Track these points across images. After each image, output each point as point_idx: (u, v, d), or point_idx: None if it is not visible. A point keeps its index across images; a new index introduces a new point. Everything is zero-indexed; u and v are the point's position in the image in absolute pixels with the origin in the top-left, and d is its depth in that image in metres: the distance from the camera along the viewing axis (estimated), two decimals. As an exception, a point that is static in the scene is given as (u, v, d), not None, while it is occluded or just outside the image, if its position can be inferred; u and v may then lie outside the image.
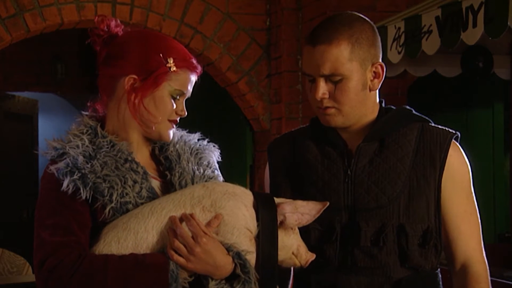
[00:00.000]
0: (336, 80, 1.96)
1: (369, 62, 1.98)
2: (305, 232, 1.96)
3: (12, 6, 4.96)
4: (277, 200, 1.92)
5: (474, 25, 3.24)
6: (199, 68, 1.98)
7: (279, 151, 2.15)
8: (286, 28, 5.17)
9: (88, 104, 2.02)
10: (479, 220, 2.05)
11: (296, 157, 2.09)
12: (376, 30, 2.02)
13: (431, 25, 3.56)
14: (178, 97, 1.95)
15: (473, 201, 2.05)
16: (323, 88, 1.97)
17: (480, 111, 5.29)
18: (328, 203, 1.90)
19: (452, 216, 2.02)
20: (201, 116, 6.82)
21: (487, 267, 2.04)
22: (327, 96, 1.97)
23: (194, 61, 1.97)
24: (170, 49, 1.94)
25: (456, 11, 3.36)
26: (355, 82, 1.96)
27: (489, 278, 2.04)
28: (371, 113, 2.03)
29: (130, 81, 1.92)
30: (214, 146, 2.09)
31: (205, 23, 5.27)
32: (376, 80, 2.01)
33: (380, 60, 2.02)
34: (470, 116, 5.34)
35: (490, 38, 3.26)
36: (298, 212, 1.89)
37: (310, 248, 1.96)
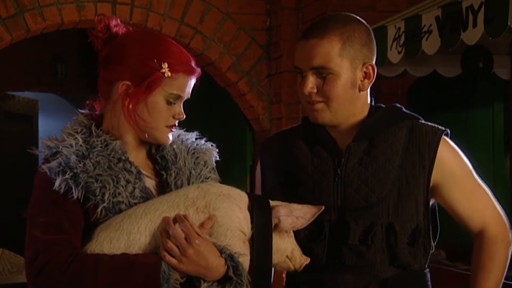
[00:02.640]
0: (325, 75, 1.97)
1: (360, 62, 1.99)
2: (294, 231, 1.96)
3: (12, 6, 4.96)
4: (272, 203, 1.91)
5: (474, 25, 3.24)
6: (198, 71, 1.95)
7: (270, 150, 2.17)
8: (286, 28, 5.17)
9: (87, 102, 2.02)
10: (488, 190, 2.09)
11: (287, 156, 2.10)
12: (372, 33, 2.03)
13: (431, 25, 3.55)
14: (174, 101, 1.93)
15: (476, 179, 2.07)
16: (311, 82, 1.99)
17: (480, 111, 5.29)
18: (323, 207, 1.90)
19: (461, 200, 2.05)
20: (201, 116, 6.82)
21: (508, 228, 2.07)
22: (315, 90, 1.99)
23: (193, 64, 1.94)
24: (165, 54, 1.91)
25: (456, 11, 3.36)
26: (344, 79, 1.97)
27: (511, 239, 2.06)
28: (360, 113, 2.04)
29: (123, 87, 1.91)
30: (212, 145, 2.08)
31: (205, 23, 5.27)
32: (366, 81, 2.02)
33: (374, 62, 2.02)
34: (470, 116, 5.33)
35: (490, 38, 3.26)
36: (293, 215, 1.88)
37: (300, 247, 1.96)
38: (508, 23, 3.05)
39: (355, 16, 2.03)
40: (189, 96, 1.97)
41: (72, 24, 5.17)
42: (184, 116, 1.96)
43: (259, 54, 5.39)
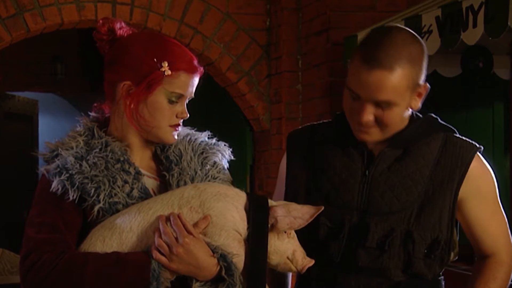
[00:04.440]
0: (386, 106, 1.91)
1: (418, 86, 1.94)
2: (314, 228, 1.95)
3: (12, 6, 4.96)
4: (271, 202, 1.89)
5: (474, 25, 3.24)
6: (200, 69, 1.94)
7: (299, 141, 2.14)
8: (286, 28, 5.17)
9: (95, 104, 2.02)
10: (506, 218, 2.08)
11: (315, 150, 2.08)
12: (426, 51, 1.97)
13: (431, 25, 3.55)
14: (177, 100, 1.92)
15: (499, 204, 2.07)
16: (370, 112, 1.92)
17: (480, 111, 5.29)
18: (322, 208, 1.87)
19: (479, 221, 2.04)
20: (201, 116, 6.82)
21: None
22: (372, 118, 1.93)
23: (194, 62, 1.93)
24: (165, 53, 1.90)
25: (456, 11, 3.36)
26: (404, 107, 1.94)
27: None
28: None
29: (125, 87, 1.91)
30: (225, 145, 2.06)
31: (205, 23, 5.27)
32: (418, 99, 1.97)
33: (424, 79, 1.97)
34: (470, 116, 5.33)
35: (490, 38, 3.26)
36: (291, 215, 1.86)
37: (317, 244, 1.95)
38: (508, 23, 3.05)
39: (413, 33, 1.95)
40: (192, 95, 1.96)
41: (72, 24, 5.17)
42: (188, 115, 1.95)
43: (259, 54, 5.39)
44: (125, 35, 1.96)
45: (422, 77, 1.95)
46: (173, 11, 5.22)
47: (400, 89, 1.89)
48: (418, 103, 1.98)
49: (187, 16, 5.25)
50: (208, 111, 7.09)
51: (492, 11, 3.13)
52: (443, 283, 2.07)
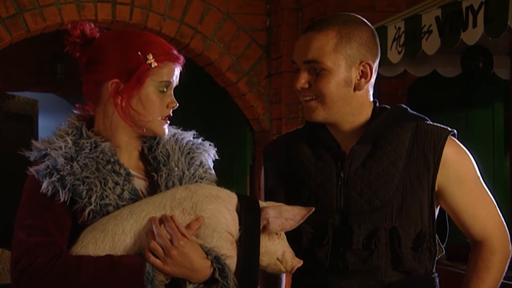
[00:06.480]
0: (318, 71, 1.95)
1: (356, 60, 1.96)
2: (297, 234, 1.95)
3: (12, 6, 4.96)
4: (262, 204, 1.89)
5: (474, 25, 3.24)
6: (181, 58, 1.96)
7: (274, 153, 2.14)
8: (286, 28, 5.17)
9: (77, 106, 2.01)
10: (493, 199, 2.04)
11: (290, 159, 2.07)
12: (376, 35, 2.00)
13: (431, 25, 3.55)
14: (165, 89, 1.92)
15: (482, 185, 2.03)
16: (304, 77, 1.97)
17: (480, 111, 5.29)
18: (313, 209, 1.87)
19: (464, 206, 2.00)
20: (201, 116, 6.82)
21: (509, 242, 2.03)
22: (306, 86, 1.97)
23: (175, 52, 1.95)
24: (148, 45, 1.91)
25: (456, 11, 3.36)
26: (338, 76, 1.95)
27: (511, 252, 2.03)
28: (359, 113, 2.01)
29: (113, 86, 1.90)
30: (210, 144, 2.06)
31: (205, 23, 5.27)
32: (362, 80, 1.98)
33: (375, 63, 1.99)
34: (470, 116, 5.33)
35: (490, 38, 3.26)
36: (282, 217, 1.86)
37: (302, 251, 1.94)
38: (508, 23, 3.05)
39: (361, 17, 2.01)
40: (176, 83, 1.96)
41: (72, 24, 5.17)
42: (177, 104, 1.96)
43: (259, 54, 5.39)
44: (96, 35, 1.96)
45: (365, 55, 1.96)
46: (173, 11, 5.22)
47: (325, 48, 1.93)
48: (363, 84, 1.98)
49: (187, 16, 5.25)
50: (208, 111, 7.08)
51: (492, 11, 3.13)
52: (437, 280, 2.05)
